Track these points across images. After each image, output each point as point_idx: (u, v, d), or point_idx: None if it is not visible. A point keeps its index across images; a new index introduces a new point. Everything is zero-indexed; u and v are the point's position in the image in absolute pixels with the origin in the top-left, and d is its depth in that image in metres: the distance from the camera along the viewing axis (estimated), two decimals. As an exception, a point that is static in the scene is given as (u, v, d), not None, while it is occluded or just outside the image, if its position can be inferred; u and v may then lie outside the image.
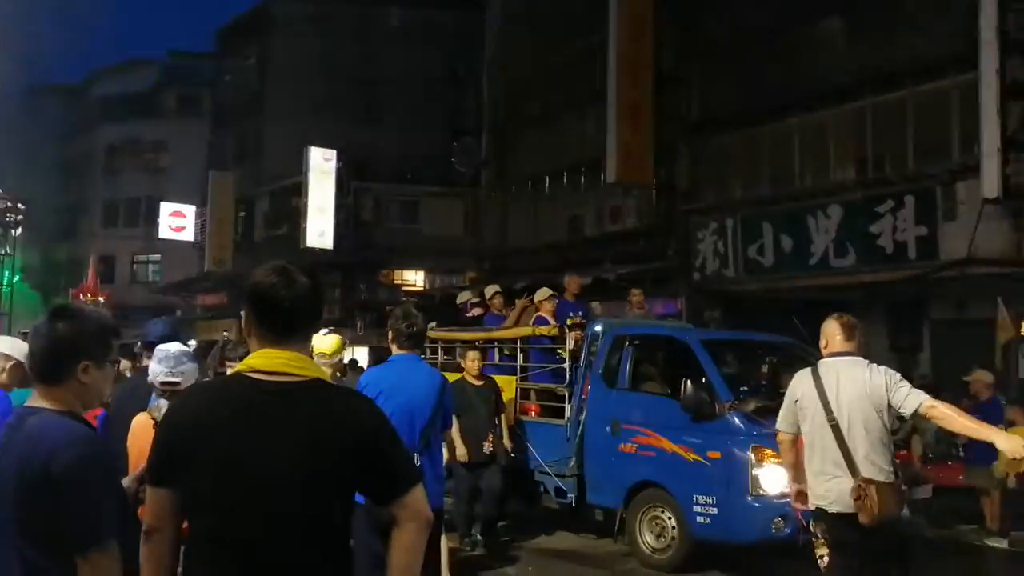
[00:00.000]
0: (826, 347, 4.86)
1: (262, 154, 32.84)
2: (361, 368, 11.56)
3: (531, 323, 9.53)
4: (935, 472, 9.95)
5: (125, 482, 3.00)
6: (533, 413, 9.37)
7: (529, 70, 22.35)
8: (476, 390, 8.49)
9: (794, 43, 15.89)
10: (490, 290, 10.97)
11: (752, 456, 7.05)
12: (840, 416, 4.57)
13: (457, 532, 8.25)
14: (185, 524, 2.24)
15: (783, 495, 6.44)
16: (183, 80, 42.19)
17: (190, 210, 36.03)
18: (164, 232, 36.24)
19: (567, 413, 8.74)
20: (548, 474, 8.76)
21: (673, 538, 7.61)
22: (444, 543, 6.44)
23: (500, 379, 9.29)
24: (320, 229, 27.42)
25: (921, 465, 10.20)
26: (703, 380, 7.49)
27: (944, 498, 9.60)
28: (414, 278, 28.87)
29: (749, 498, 7.06)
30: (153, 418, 3.70)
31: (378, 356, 9.15)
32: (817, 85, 15.40)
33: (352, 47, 31.31)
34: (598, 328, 8.88)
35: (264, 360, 2.23)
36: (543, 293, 9.92)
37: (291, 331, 2.26)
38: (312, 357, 2.47)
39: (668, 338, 9.04)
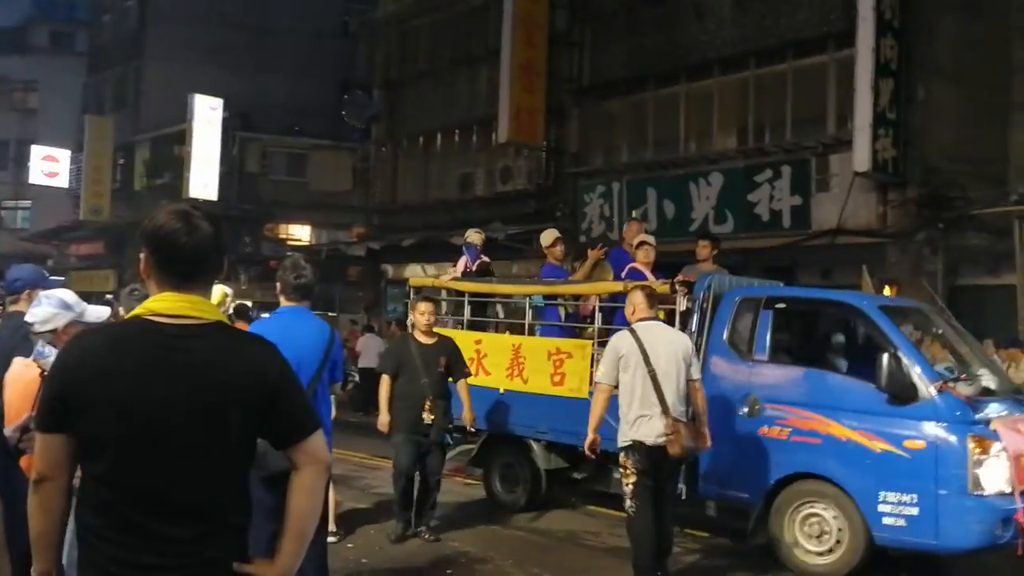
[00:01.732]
0: (633, 313, 6.02)
1: (142, 99, 31.47)
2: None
3: (623, 276, 8.01)
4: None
5: (7, 432, 2.91)
6: None
7: (423, 25, 22.09)
8: (421, 349, 7.32)
9: (682, 12, 16.19)
10: (550, 236, 9.10)
11: (973, 448, 5.94)
12: (657, 367, 5.71)
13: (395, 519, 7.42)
14: (79, 472, 2.20)
15: (1003, 493, 5.99)
16: (56, 16, 39.85)
17: (64, 155, 34.30)
18: (35, 177, 34.40)
19: None
20: None
21: (838, 540, 6.37)
22: (332, 494, 6.52)
23: (569, 344, 8.08)
24: (204, 180, 26.59)
25: None
26: (895, 355, 6.19)
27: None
28: (300, 232, 28.37)
29: (968, 498, 5.94)
30: (40, 367, 3.61)
31: (240, 309, 7.95)
32: (703, 54, 15.77)
33: (240, -8, 30.23)
34: (710, 286, 7.26)
35: (165, 303, 2.20)
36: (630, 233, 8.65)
37: (192, 277, 2.23)
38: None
39: (835, 304, 7.35)
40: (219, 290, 6.41)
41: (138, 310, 2.24)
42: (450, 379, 7.45)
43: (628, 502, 5.83)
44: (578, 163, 17.86)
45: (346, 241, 24.06)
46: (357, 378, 17.91)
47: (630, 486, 5.79)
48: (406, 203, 22.02)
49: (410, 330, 8.00)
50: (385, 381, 7.36)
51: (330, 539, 6.92)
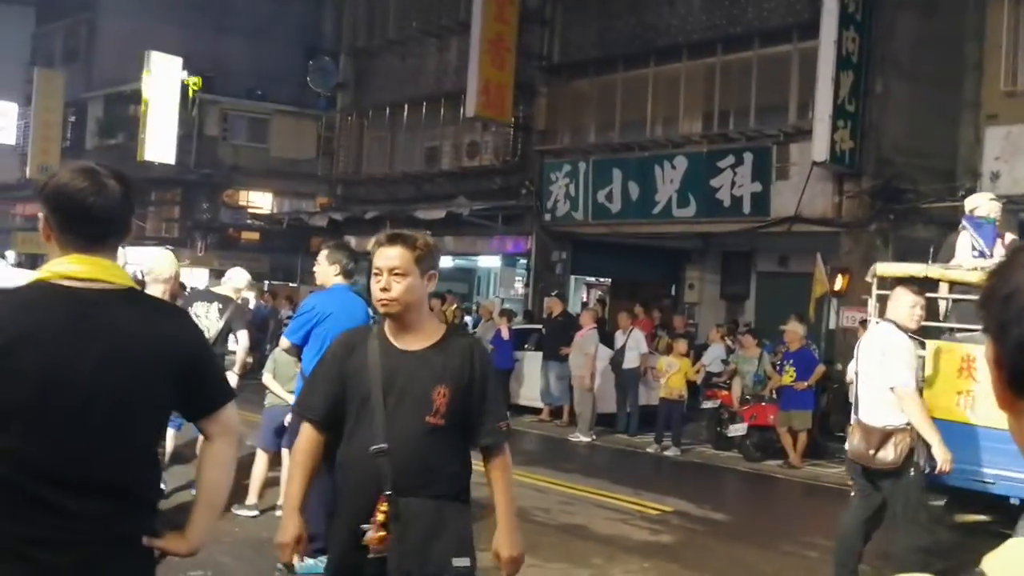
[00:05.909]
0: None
1: (96, 54, 30.79)
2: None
3: None
4: (751, 411, 11.13)
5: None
6: None
7: (392, -6, 22.00)
8: (395, 361, 2.82)
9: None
10: None
11: None
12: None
13: None
14: None
15: None
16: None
17: (10, 108, 33.46)
18: (-22, 131, 33.60)
19: None
20: None
21: None
22: (263, 465, 6.75)
23: None
24: (160, 141, 26.22)
25: (739, 405, 11.36)
26: None
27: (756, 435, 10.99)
28: (261, 200, 28.15)
29: None
30: None
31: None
32: (672, 38, 16.01)
33: (202, -52, 29.63)
34: None
35: (78, 267, 2.07)
36: None
37: (100, 240, 2.10)
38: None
39: None
40: (169, 258, 6.39)
41: (43, 274, 2.09)
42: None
43: None
44: (545, 141, 18.02)
45: (308, 211, 23.99)
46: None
47: None
48: (371, 174, 22.01)
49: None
50: (306, 438, 2.94)
51: (251, 513, 6.70)
